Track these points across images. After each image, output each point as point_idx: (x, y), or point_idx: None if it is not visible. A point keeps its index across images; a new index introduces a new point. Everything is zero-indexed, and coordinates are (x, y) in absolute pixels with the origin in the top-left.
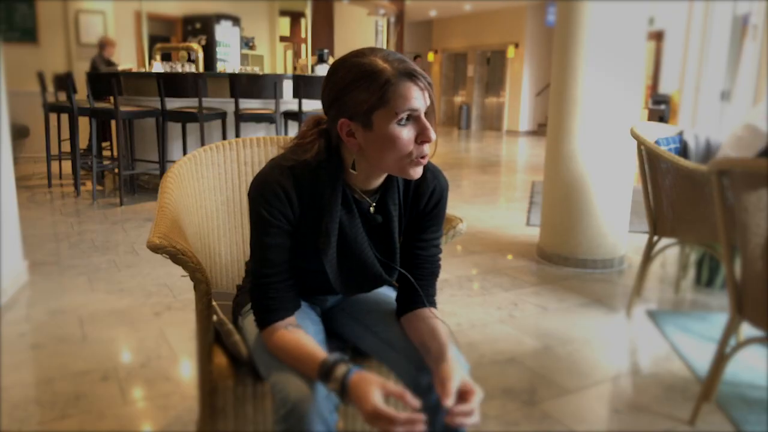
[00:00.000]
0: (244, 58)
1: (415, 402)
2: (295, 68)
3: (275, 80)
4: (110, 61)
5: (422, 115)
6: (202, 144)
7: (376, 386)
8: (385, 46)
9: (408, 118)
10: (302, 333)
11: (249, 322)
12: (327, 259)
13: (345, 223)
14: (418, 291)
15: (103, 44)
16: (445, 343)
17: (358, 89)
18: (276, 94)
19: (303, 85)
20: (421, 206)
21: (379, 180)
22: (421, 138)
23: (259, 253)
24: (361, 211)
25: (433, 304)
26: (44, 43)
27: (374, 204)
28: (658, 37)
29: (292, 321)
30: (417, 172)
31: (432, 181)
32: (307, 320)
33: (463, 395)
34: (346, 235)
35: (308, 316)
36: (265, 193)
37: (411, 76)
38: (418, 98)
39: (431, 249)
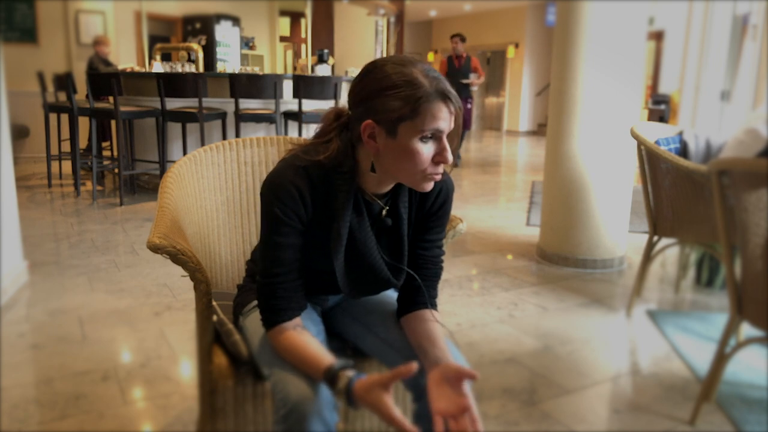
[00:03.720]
0: (244, 58)
1: (407, 368)
2: (295, 68)
3: (275, 80)
4: (108, 60)
5: (444, 137)
6: (202, 144)
7: (383, 392)
8: (385, 46)
9: (431, 137)
10: (309, 335)
11: (250, 321)
12: (336, 261)
13: (354, 226)
14: (419, 292)
15: (97, 42)
16: (444, 349)
17: (392, 96)
18: (276, 94)
19: (303, 85)
20: (427, 207)
21: (391, 184)
22: (438, 158)
23: (270, 252)
24: (371, 214)
25: (434, 306)
26: (44, 43)
27: (387, 207)
28: (658, 37)
29: (299, 322)
30: (428, 187)
31: (438, 183)
32: (308, 320)
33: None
34: (356, 238)
35: (309, 316)
36: (279, 192)
37: (445, 97)
38: (445, 119)
39: (434, 250)
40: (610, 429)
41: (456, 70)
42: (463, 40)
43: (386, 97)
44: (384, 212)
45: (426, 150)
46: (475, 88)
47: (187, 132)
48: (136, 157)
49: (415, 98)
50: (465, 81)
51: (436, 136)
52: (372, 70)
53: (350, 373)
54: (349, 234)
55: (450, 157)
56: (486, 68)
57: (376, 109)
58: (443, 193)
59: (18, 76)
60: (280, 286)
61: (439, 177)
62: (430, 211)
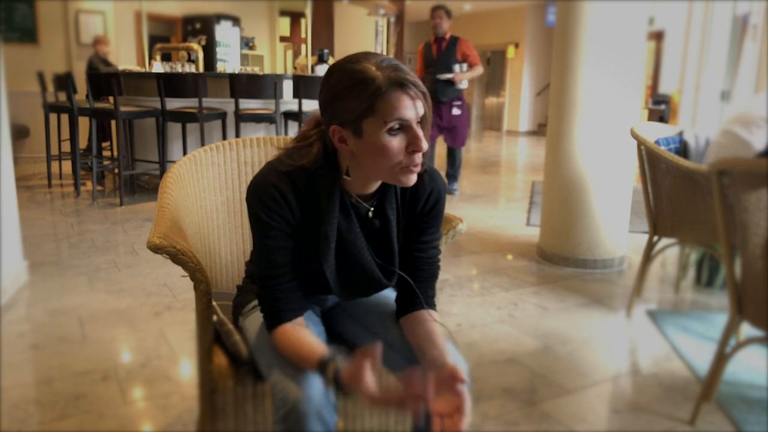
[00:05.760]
0: (244, 58)
1: (371, 350)
2: (295, 68)
3: (275, 80)
4: (107, 60)
5: (413, 125)
6: (202, 144)
7: (364, 372)
8: (385, 46)
9: (399, 128)
10: (306, 331)
11: (249, 321)
12: (326, 264)
13: (343, 229)
14: (416, 293)
15: (96, 42)
16: (443, 349)
17: (348, 97)
18: (276, 94)
19: (303, 85)
20: (419, 208)
21: (376, 184)
22: (412, 147)
23: (262, 255)
24: (359, 216)
25: (432, 305)
26: (44, 43)
27: (372, 208)
28: (658, 37)
29: (301, 322)
30: (410, 180)
31: (429, 183)
32: (308, 321)
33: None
34: (345, 241)
35: (308, 316)
36: (262, 196)
37: (402, 85)
38: (408, 108)
39: (430, 251)
40: (610, 429)
41: (434, 60)
42: (448, 14)
43: (343, 99)
44: (370, 214)
45: (396, 143)
46: (463, 85)
47: (187, 132)
48: (136, 157)
49: (369, 93)
50: (444, 77)
51: (404, 127)
52: (329, 75)
53: (339, 362)
54: (339, 236)
55: (424, 145)
56: (486, 68)
57: (337, 113)
58: (435, 193)
59: (18, 76)
60: (276, 288)
61: (418, 168)
62: (423, 212)
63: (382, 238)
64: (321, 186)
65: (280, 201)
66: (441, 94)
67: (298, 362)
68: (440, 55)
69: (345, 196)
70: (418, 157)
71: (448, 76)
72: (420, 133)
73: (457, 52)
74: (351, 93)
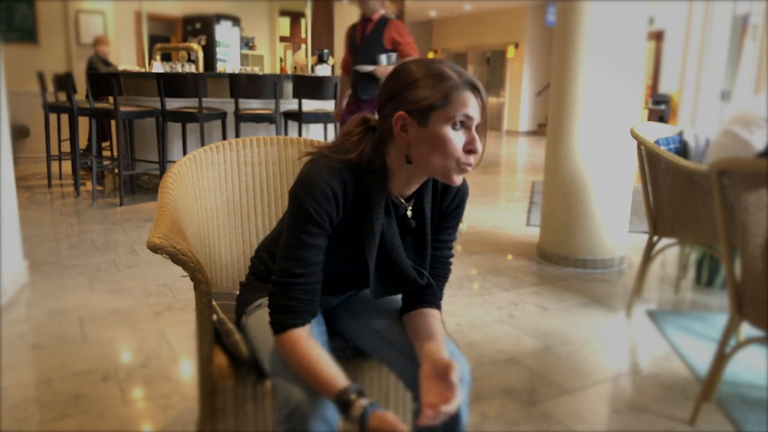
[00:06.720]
0: (244, 58)
1: None
2: (295, 68)
3: (275, 80)
4: (107, 60)
5: (473, 127)
6: (202, 144)
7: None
8: None
9: (462, 125)
10: (320, 348)
11: (254, 320)
12: (370, 259)
13: (384, 225)
14: (425, 290)
15: (97, 42)
16: (441, 346)
17: (424, 86)
18: (276, 94)
19: (303, 85)
20: (444, 207)
21: (416, 185)
22: (468, 146)
23: (294, 251)
24: (397, 215)
25: (438, 307)
26: (44, 43)
27: (410, 208)
28: (658, 37)
29: (309, 330)
30: (458, 180)
31: None
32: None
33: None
34: (384, 237)
35: None
36: (315, 192)
37: (473, 87)
38: (474, 108)
39: (445, 251)
40: (610, 429)
41: (356, 46)
42: None
43: (417, 88)
44: (409, 213)
45: (457, 138)
46: None
47: (187, 132)
48: (136, 157)
49: (445, 87)
50: (364, 69)
51: (465, 125)
52: (400, 70)
53: (364, 401)
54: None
55: (480, 146)
56: (486, 68)
57: (407, 100)
58: (460, 195)
59: (18, 76)
60: (298, 287)
61: (470, 168)
62: (446, 211)
63: (417, 238)
64: (368, 181)
65: (330, 199)
66: (361, 91)
67: (311, 383)
68: (364, 40)
69: (387, 194)
70: (473, 158)
71: (368, 68)
72: (477, 136)
73: (385, 37)
74: (428, 83)
